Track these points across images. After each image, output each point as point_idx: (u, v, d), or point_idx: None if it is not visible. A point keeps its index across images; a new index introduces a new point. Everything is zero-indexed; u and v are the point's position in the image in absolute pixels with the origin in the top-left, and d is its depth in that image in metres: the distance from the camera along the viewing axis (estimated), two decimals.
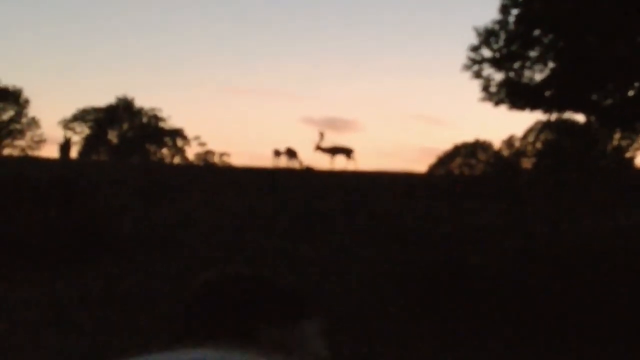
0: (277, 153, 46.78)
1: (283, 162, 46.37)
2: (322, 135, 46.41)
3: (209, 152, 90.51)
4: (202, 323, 1.87)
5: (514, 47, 36.72)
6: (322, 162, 45.87)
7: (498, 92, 37.68)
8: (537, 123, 77.11)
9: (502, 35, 36.82)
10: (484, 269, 15.94)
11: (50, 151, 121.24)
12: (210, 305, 1.89)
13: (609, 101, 36.65)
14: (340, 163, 46.41)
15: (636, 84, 35.63)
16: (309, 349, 1.87)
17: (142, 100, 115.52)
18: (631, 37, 32.61)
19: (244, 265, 2.26)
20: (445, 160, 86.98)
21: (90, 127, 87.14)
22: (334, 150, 46.67)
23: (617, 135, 68.41)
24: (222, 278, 1.97)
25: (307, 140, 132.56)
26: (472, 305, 14.42)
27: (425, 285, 15.25)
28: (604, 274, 15.30)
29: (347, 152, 46.66)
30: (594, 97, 36.54)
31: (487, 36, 37.12)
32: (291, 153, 46.73)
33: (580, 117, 51.45)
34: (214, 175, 35.63)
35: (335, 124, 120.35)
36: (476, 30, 37.42)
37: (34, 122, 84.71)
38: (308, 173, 40.87)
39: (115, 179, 30.14)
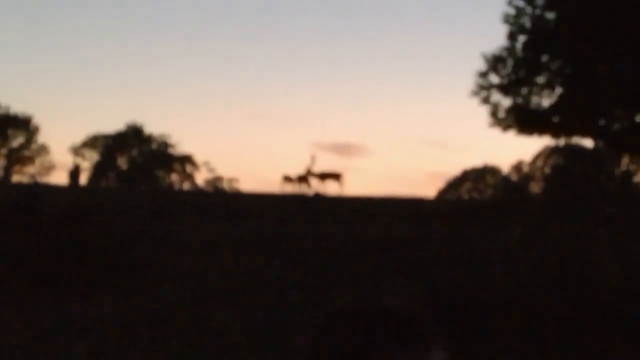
0: (287, 179, 46.58)
1: (293, 187, 46.11)
2: (313, 159, 46.40)
3: (218, 178, 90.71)
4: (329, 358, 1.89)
5: (521, 73, 36.92)
6: (315, 187, 45.32)
7: (506, 117, 37.85)
8: (545, 148, 77.24)
9: (510, 62, 37.03)
10: (493, 294, 15.97)
11: (60, 177, 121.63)
12: (337, 341, 1.92)
13: (616, 126, 36.78)
14: (331, 188, 46.00)
15: None
16: None
17: (152, 127, 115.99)
18: (638, 63, 32.73)
19: (367, 298, 2.27)
20: (454, 184, 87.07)
21: (99, 153, 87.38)
22: (323, 176, 46.84)
23: (625, 160, 68.48)
24: (347, 312, 1.99)
25: (315, 165, 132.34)
26: (482, 329, 14.46)
27: (435, 309, 15.28)
28: (615, 301, 15.34)
29: (336, 177, 46.80)
30: (602, 122, 36.70)
31: (495, 62, 37.34)
32: (302, 179, 46.55)
33: (588, 142, 51.76)
34: (224, 201, 35.74)
35: (344, 149, 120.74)
36: (484, 56, 37.69)
37: (43, 149, 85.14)
38: (317, 199, 40.96)
39: (125, 205, 30.27)
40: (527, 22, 36.02)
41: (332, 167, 46.89)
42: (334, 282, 18.09)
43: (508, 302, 15.41)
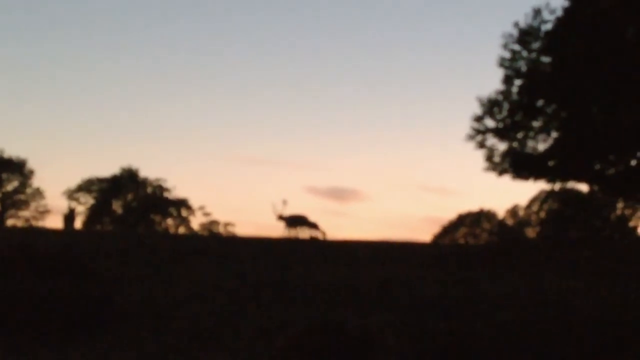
0: (282, 218, 44.82)
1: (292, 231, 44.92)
2: (284, 203, 44.51)
3: (213, 222, 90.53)
4: None
5: (517, 117, 36.94)
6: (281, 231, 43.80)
7: (502, 162, 37.83)
8: (541, 192, 77.32)
9: (506, 106, 37.06)
10: (488, 337, 15.90)
11: (55, 222, 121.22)
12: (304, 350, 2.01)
13: (612, 171, 36.77)
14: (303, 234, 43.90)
15: (638, 154, 35.78)
16: None
17: (147, 171, 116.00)
18: (634, 108, 32.82)
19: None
20: (450, 229, 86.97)
21: (94, 198, 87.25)
22: (295, 222, 44.02)
23: (620, 205, 68.54)
24: (312, 327, 2.07)
25: (311, 210, 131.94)
26: None
27: (431, 353, 15.20)
28: (612, 344, 15.26)
29: (311, 225, 44.13)
30: (597, 166, 36.68)
31: (490, 106, 37.38)
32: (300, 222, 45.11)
33: (583, 187, 51.82)
34: (220, 245, 35.62)
35: (339, 193, 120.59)
36: (480, 100, 37.73)
37: (38, 193, 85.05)
38: (313, 243, 40.79)
39: (120, 249, 30.15)
40: (522, 66, 36.12)
41: (329, 211, 45.82)
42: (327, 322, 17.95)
43: (502, 345, 15.33)
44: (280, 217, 43.41)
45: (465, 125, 38.42)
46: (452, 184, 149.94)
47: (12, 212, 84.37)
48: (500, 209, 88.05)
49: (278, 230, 44.67)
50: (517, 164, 37.05)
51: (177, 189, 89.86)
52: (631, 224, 71.89)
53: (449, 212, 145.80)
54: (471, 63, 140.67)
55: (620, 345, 15.35)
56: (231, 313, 19.71)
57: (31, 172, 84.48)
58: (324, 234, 44.59)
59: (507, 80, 36.75)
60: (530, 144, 37.19)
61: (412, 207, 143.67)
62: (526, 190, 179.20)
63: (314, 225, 44.45)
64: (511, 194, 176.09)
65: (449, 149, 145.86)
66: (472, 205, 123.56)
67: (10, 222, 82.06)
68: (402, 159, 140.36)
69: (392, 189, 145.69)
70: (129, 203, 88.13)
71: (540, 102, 36.37)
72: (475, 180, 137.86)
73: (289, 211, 43.99)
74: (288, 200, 43.01)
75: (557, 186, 42.64)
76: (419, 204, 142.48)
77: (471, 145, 38.03)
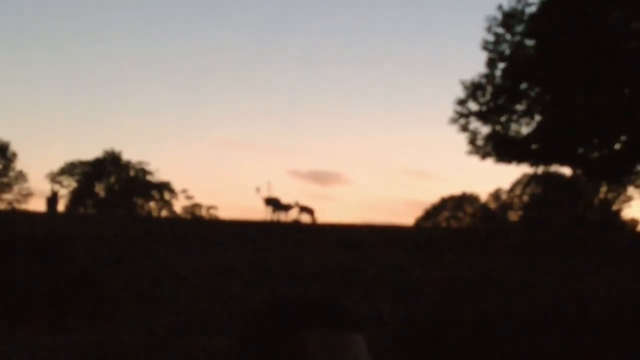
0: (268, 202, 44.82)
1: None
2: (269, 185, 44.68)
3: (196, 205, 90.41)
4: (258, 338, 1.97)
5: (500, 101, 36.98)
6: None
7: (485, 145, 37.87)
8: (523, 176, 77.35)
9: (489, 89, 37.10)
10: (470, 320, 15.90)
11: (38, 205, 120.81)
12: (266, 322, 2.02)
13: (595, 154, 36.87)
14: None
15: (622, 138, 35.90)
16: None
17: (129, 154, 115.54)
18: (616, 92, 32.89)
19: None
20: (432, 213, 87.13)
21: (77, 181, 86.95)
22: (275, 204, 44.80)
23: (603, 189, 68.74)
24: (276, 299, 2.09)
25: (293, 194, 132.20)
26: (460, 355, 14.37)
27: (414, 338, 15.19)
28: (598, 327, 15.29)
29: (286, 208, 45.18)
30: (581, 150, 36.77)
31: (473, 90, 37.40)
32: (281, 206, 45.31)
33: (566, 170, 51.98)
34: (202, 228, 35.55)
35: (321, 177, 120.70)
36: (463, 83, 37.76)
37: (21, 176, 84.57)
38: (297, 226, 40.80)
39: (102, 232, 30.04)
40: (506, 49, 36.14)
41: (311, 195, 45.99)
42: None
43: (485, 328, 15.34)
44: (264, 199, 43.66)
45: (448, 109, 38.51)
46: (435, 168, 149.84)
47: None
48: (483, 193, 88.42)
49: (260, 213, 44.76)
50: (500, 148, 37.12)
51: (160, 172, 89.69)
52: (615, 207, 72.19)
53: (432, 196, 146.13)
54: (454, 46, 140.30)
55: (605, 329, 15.39)
56: (217, 295, 19.67)
57: (14, 155, 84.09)
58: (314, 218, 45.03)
59: (491, 64, 36.78)
60: (513, 127, 37.27)
61: (394, 191, 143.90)
62: (509, 174, 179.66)
63: (288, 208, 44.71)
64: (494, 178, 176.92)
65: (431, 132, 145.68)
66: (454, 189, 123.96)
67: None
68: (384, 143, 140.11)
69: (375, 172, 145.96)
70: (112, 186, 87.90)
71: (523, 86, 36.44)
72: (458, 163, 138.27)
73: (271, 194, 44.42)
74: (272, 183, 43.09)
75: (540, 170, 42.77)
76: (401, 187, 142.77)
77: (454, 128, 38.11)
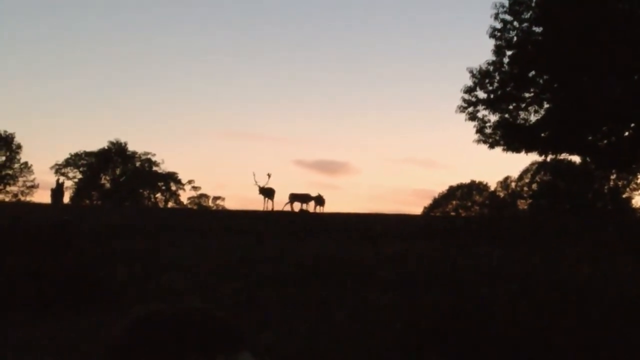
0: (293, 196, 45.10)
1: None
2: (269, 176, 44.90)
3: (202, 196, 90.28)
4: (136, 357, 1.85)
5: (508, 88, 36.67)
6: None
7: (493, 133, 37.57)
8: (532, 164, 77.08)
9: (497, 77, 36.79)
10: (480, 310, 15.67)
11: (43, 196, 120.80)
12: (143, 341, 1.87)
13: (604, 142, 36.55)
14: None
15: (631, 125, 35.58)
16: None
17: (135, 145, 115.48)
18: (625, 79, 32.56)
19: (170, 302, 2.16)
20: (441, 201, 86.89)
21: (82, 172, 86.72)
22: (266, 192, 45.49)
23: (613, 176, 68.39)
24: (151, 315, 1.94)
25: (300, 183, 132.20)
26: (470, 345, 14.14)
27: (425, 326, 14.97)
28: (601, 317, 15.05)
29: (270, 193, 45.69)
30: (590, 138, 36.45)
31: (481, 78, 37.08)
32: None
33: (576, 158, 51.61)
34: (209, 219, 35.37)
35: (328, 166, 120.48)
36: (470, 71, 37.45)
37: (26, 168, 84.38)
38: (303, 216, 40.61)
39: (108, 223, 29.87)
40: (514, 36, 35.82)
41: (318, 184, 46.03)
42: (320, 300, 17.74)
43: (495, 318, 15.10)
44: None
45: (456, 97, 38.24)
46: (442, 157, 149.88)
47: None
48: (492, 181, 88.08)
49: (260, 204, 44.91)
50: (509, 136, 36.83)
51: (166, 163, 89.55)
52: (624, 195, 71.85)
53: (439, 185, 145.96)
54: (462, 34, 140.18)
55: (609, 316, 15.17)
56: (217, 285, 19.48)
57: (19, 147, 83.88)
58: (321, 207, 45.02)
59: (499, 51, 36.48)
60: (522, 115, 36.98)
61: (401, 180, 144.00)
62: (518, 162, 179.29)
63: (271, 193, 44.83)
64: (503, 166, 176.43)
65: (438, 121, 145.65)
66: (462, 178, 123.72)
67: None
68: (391, 132, 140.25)
69: (381, 161, 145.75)
70: (118, 177, 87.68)
71: (531, 73, 36.12)
72: (465, 152, 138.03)
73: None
74: (273, 174, 43.17)
75: (550, 158, 42.41)
76: (409, 177, 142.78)
77: (462, 117, 37.82)
